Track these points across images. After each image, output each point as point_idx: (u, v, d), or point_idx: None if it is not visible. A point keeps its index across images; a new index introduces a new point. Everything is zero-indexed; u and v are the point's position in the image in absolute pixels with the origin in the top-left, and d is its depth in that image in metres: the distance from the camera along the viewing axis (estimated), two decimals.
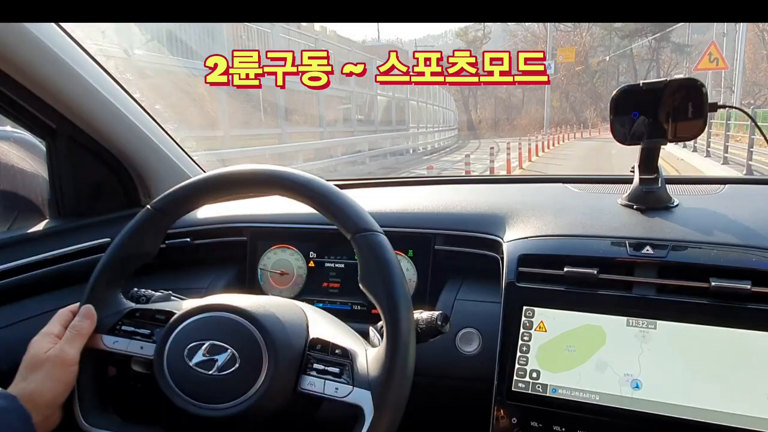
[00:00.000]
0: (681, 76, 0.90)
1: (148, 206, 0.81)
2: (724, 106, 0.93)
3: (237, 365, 0.72)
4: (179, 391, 0.73)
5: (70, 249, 1.09)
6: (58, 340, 0.77)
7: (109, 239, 1.16)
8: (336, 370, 0.72)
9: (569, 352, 0.82)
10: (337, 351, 0.74)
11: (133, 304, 0.85)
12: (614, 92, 0.94)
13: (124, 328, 0.81)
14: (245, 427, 0.74)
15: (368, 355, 0.73)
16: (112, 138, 1.11)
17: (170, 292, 0.93)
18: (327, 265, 1.14)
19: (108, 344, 0.80)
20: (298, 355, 0.74)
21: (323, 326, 0.80)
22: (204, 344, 0.73)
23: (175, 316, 0.77)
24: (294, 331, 0.76)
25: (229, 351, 0.72)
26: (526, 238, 0.94)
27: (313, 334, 0.77)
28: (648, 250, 0.85)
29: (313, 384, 0.72)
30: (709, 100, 0.88)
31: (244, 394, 0.71)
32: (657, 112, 0.91)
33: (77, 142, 1.11)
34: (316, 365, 0.73)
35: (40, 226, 1.13)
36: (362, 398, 0.69)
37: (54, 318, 0.81)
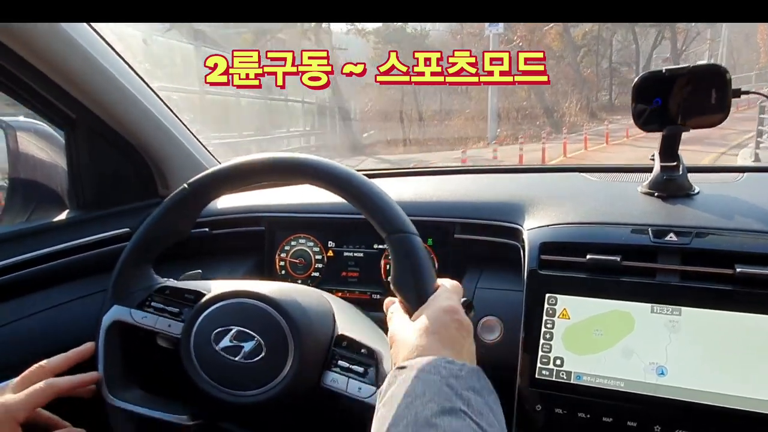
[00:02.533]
0: (703, 62, 0.89)
1: (185, 185, 0.80)
2: (747, 92, 0.92)
3: (262, 355, 0.72)
4: (204, 374, 0.74)
5: (90, 239, 1.10)
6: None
7: (128, 229, 1.16)
8: (360, 369, 0.72)
9: (597, 335, 0.82)
10: (362, 350, 0.74)
11: (163, 280, 0.86)
12: (636, 79, 0.93)
13: (153, 304, 0.82)
14: (265, 415, 0.76)
15: None
16: (132, 128, 1.11)
17: (200, 271, 0.93)
18: (346, 254, 1.14)
19: (136, 319, 0.81)
20: (324, 351, 0.74)
21: (350, 323, 0.80)
22: (231, 330, 0.73)
23: (204, 299, 0.77)
24: (321, 327, 0.76)
25: (255, 340, 0.73)
26: (548, 226, 0.94)
27: (339, 330, 0.77)
28: (671, 237, 0.84)
29: (336, 381, 0.72)
30: None
31: (266, 384, 0.72)
32: (679, 99, 0.90)
33: (96, 132, 1.11)
34: (340, 362, 0.73)
35: (59, 217, 1.14)
36: None
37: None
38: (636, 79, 0.93)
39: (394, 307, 0.71)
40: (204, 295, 0.79)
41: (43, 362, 0.76)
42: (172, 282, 0.86)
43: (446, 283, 0.71)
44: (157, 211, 0.82)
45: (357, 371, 0.72)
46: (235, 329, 0.73)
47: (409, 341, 0.61)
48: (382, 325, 0.98)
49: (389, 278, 0.72)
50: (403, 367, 0.57)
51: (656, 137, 0.97)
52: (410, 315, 0.67)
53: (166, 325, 0.80)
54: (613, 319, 0.82)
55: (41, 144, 1.19)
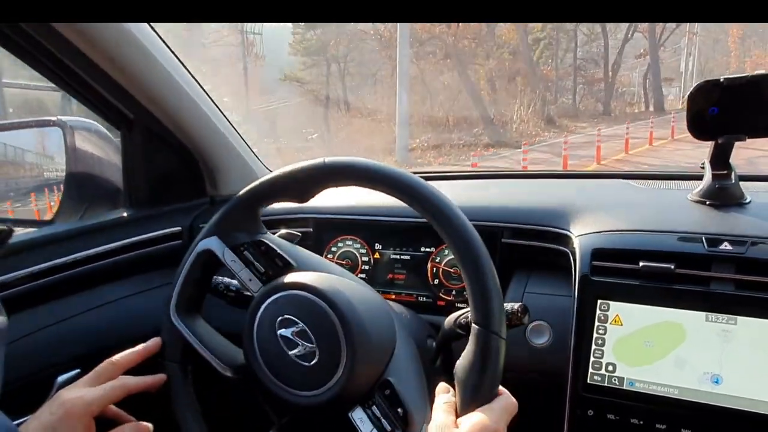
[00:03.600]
0: (762, 71, 0.89)
1: (324, 160, 0.78)
2: None
3: (313, 362, 0.73)
4: (257, 348, 0.76)
5: (145, 237, 1.13)
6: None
7: (180, 228, 1.19)
8: (389, 428, 0.71)
9: (647, 346, 0.83)
10: (399, 410, 0.72)
11: (263, 233, 0.86)
12: (692, 89, 0.93)
13: (246, 253, 0.82)
14: (289, 410, 0.78)
15: None
16: (187, 129, 1.14)
17: (300, 234, 0.93)
18: (393, 256, 1.16)
19: (226, 258, 0.82)
20: (366, 389, 0.74)
21: (403, 372, 0.77)
22: (297, 325, 0.74)
23: (289, 279, 0.77)
24: (375, 366, 0.75)
25: (314, 346, 0.73)
26: (599, 232, 0.95)
27: (389, 374, 0.75)
28: (726, 245, 0.84)
29: (363, 422, 0.72)
30: None
31: (303, 390, 0.73)
32: (736, 108, 0.90)
33: (152, 132, 1.14)
34: (374, 408, 0.73)
35: (113, 215, 1.17)
36: None
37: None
38: (692, 88, 0.93)
39: (443, 398, 0.69)
40: (292, 267, 0.80)
41: (114, 358, 0.79)
42: (269, 238, 0.85)
43: (503, 398, 0.68)
44: (290, 168, 0.80)
45: (385, 428, 0.71)
46: (301, 326, 0.74)
47: None
48: (431, 328, 0.99)
49: (456, 364, 0.69)
50: None
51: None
52: (457, 414, 0.67)
53: (247, 277, 0.81)
54: (664, 330, 0.83)
55: (96, 143, 1.23)
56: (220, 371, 0.80)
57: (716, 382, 0.79)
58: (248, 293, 0.83)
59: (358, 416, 0.72)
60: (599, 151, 11.18)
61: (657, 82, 25.44)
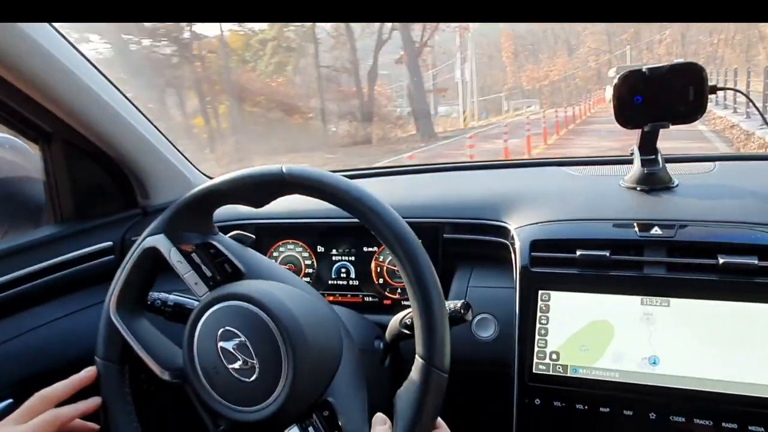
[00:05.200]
0: (680, 60, 0.93)
1: (283, 167, 0.72)
2: (723, 89, 0.96)
3: (252, 378, 0.69)
4: (197, 358, 0.72)
5: (74, 254, 1.08)
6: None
7: (111, 243, 1.14)
8: None
9: (584, 351, 0.85)
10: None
11: (214, 234, 0.81)
12: (616, 78, 0.96)
13: (193, 255, 0.77)
14: (219, 420, 0.75)
15: None
16: (109, 140, 1.08)
17: (253, 237, 0.88)
18: (335, 258, 1.15)
19: (173, 258, 0.76)
20: (304, 408, 0.71)
21: (345, 394, 0.74)
22: (239, 338, 0.69)
23: (236, 287, 0.73)
24: (316, 384, 0.72)
25: (254, 362, 0.69)
26: (537, 223, 0.96)
27: (330, 395, 0.72)
28: (656, 230, 0.87)
29: None
30: None
31: (238, 405, 0.70)
32: (659, 96, 0.93)
33: (73, 146, 1.08)
34: (310, 429, 0.70)
35: (38, 234, 1.10)
36: None
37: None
38: (616, 78, 0.95)
39: (380, 430, 0.68)
40: (241, 274, 0.76)
41: (44, 391, 0.74)
42: (220, 240, 0.80)
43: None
44: (246, 171, 0.74)
45: None
46: (242, 340, 0.69)
47: None
48: (379, 328, 0.99)
49: (396, 393, 0.67)
50: None
51: None
52: None
53: (193, 281, 0.76)
54: (593, 331, 0.85)
55: (14, 159, 1.15)
56: (157, 374, 0.76)
57: (654, 363, 0.82)
58: (188, 307, 0.79)
59: None
60: None
61: (420, 95, 18.63)
